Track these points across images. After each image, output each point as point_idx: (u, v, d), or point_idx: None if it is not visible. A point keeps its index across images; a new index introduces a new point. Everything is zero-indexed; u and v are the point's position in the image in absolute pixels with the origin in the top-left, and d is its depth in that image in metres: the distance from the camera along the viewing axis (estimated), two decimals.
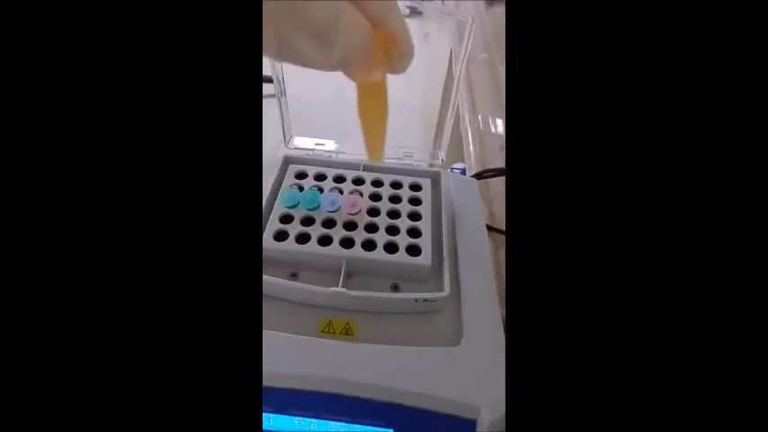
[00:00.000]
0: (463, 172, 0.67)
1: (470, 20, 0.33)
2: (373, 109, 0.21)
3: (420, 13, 0.36)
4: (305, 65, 0.16)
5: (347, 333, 0.29)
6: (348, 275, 0.31)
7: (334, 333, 0.29)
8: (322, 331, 0.29)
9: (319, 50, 0.15)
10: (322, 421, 0.27)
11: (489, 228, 0.55)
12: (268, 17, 0.14)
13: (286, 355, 0.27)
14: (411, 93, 0.40)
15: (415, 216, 0.34)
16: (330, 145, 0.41)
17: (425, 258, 0.31)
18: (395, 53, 0.18)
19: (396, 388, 0.26)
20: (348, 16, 0.15)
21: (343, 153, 0.40)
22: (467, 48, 0.34)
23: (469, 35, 0.34)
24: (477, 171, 0.60)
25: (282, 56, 0.16)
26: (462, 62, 0.36)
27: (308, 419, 0.27)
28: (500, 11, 1.04)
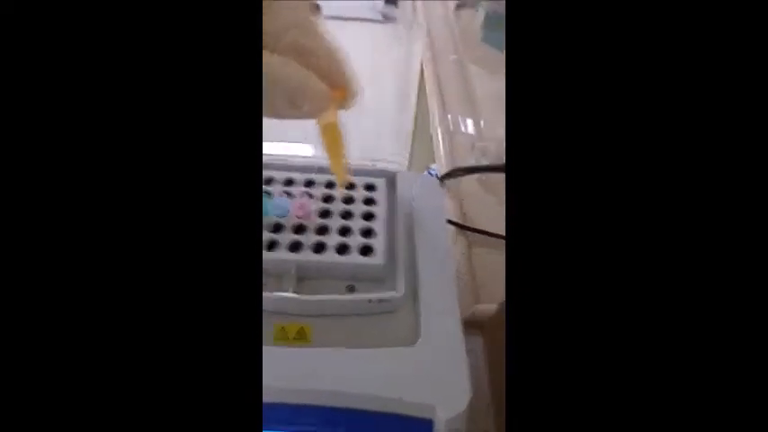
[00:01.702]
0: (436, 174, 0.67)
1: (424, 25, 0.33)
2: (333, 142, 0.26)
3: (394, 18, 0.36)
4: (279, 118, 0.22)
5: (301, 338, 0.29)
6: (300, 279, 0.31)
7: (288, 339, 0.28)
8: (275, 338, 0.28)
9: (292, 112, 0.22)
10: None
11: (461, 226, 0.54)
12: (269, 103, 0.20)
13: None
14: (383, 99, 0.40)
15: (368, 216, 0.33)
16: (281, 148, 0.40)
17: (378, 258, 0.30)
18: (345, 97, 0.24)
19: (351, 392, 0.26)
20: (312, 85, 0.22)
21: (295, 157, 0.39)
22: (420, 52, 0.34)
23: (424, 39, 0.33)
24: (447, 170, 0.60)
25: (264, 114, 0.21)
26: (414, 66, 0.36)
27: None
28: (468, 13, 1.04)
